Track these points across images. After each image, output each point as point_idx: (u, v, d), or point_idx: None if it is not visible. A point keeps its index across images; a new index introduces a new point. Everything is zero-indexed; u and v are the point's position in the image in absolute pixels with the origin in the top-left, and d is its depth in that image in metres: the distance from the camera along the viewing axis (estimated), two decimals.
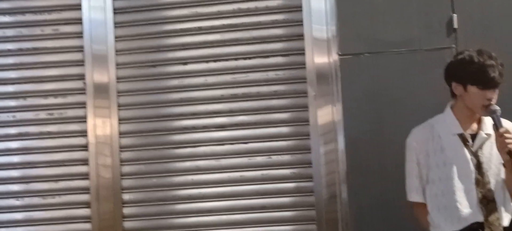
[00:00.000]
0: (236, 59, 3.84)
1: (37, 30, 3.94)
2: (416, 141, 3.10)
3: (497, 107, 2.94)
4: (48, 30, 3.93)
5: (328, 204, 3.68)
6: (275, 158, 3.77)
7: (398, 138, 3.58)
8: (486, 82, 2.93)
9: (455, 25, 3.63)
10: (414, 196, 3.12)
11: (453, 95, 3.07)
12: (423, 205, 3.10)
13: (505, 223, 2.94)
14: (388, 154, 3.61)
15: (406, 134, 3.56)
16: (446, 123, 3.06)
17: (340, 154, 3.67)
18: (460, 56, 3.03)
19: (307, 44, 3.75)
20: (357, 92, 3.68)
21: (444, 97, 3.57)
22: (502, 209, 2.96)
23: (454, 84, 3.03)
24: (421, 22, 3.66)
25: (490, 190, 2.96)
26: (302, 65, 3.77)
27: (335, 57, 3.71)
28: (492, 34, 3.60)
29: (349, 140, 3.66)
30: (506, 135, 2.88)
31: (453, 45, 3.63)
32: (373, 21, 3.70)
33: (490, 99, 2.94)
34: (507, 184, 2.97)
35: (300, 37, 3.78)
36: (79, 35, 3.89)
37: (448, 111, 3.09)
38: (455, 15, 3.63)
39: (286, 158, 3.77)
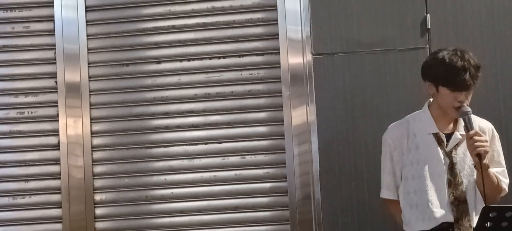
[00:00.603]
0: (210, 58, 3.81)
1: (7, 28, 3.89)
2: (391, 138, 3.10)
3: (468, 109, 2.92)
4: (19, 27, 3.88)
5: (302, 204, 3.66)
6: (249, 158, 3.75)
7: (371, 138, 3.61)
8: (456, 84, 2.91)
9: (429, 26, 3.64)
10: (384, 192, 3.13)
11: (430, 93, 3.06)
12: (396, 202, 3.10)
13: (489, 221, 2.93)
14: (362, 154, 3.61)
15: (379, 134, 3.56)
16: (422, 121, 3.05)
17: (314, 154, 3.66)
18: (434, 56, 3.02)
19: (282, 43, 3.74)
20: (331, 92, 3.67)
21: (418, 98, 3.59)
22: (473, 210, 2.96)
23: (427, 83, 3.03)
24: (395, 22, 3.66)
25: (462, 191, 2.96)
26: (276, 64, 3.75)
27: (309, 57, 3.70)
28: (465, 34, 3.61)
29: (322, 140, 3.65)
30: (476, 137, 2.87)
31: (427, 46, 3.63)
32: (347, 21, 3.69)
33: (461, 102, 2.92)
34: (477, 185, 2.97)
35: (274, 36, 3.76)
36: (51, 33, 3.85)
37: (425, 109, 3.08)
38: (428, 16, 3.64)
39: (260, 158, 3.75)
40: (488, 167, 2.92)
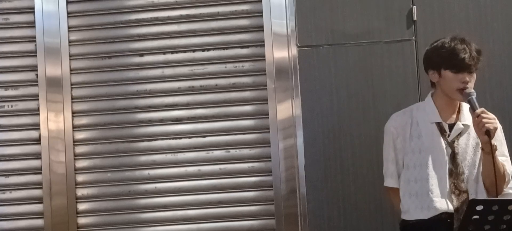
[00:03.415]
0: (194, 50, 3.76)
1: None
2: (394, 126, 3.09)
3: (473, 90, 2.92)
4: None
5: (287, 198, 3.63)
6: (234, 152, 3.71)
7: (357, 131, 3.59)
8: (458, 65, 2.92)
9: (415, 17, 3.61)
10: (389, 181, 3.12)
11: (432, 84, 3.06)
12: (398, 190, 3.10)
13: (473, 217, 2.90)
14: (347, 147, 3.59)
15: (365, 127, 3.58)
16: (426, 110, 3.05)
17: (299, 148, 3.62)
18: (433, 44, 3.04)
19: (267, 35, 3.69)
20: (316, 84, 3.64)
21: (404, 90, 3.58)
22: None
23: (430, 72, 3.03)
24: (381, 14, 3.64)
25: (463, 181, 2.96)
26: (261, 57, 3.71)
27: (294, 49, 3.66)
28: (451, 26, 3.58)
29: (308, 134, 3.62)
30: (483, 115, 2.86)
31: (413, 37, 3.61)
32: (332, 13, 3.66)
33: (465, 83, 2.92)
34: (483, 170, 2.95)
35: (259, 28, 3.72)
36: (31, 24, 3.78)
37: (428, 99, 3.08)
38: (414, 7, 3.61)
39: (244, 152, 3.71)
40: (496, 149, 2.89)
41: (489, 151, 2.85)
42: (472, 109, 2.90)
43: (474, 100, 2.90)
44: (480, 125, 2.85)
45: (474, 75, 2.97)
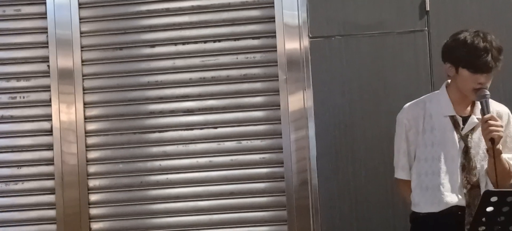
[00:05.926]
0: (205, 41, 3.75)
1: None
2: (407, 118, 3.05)
3: (487, 92, 2.88)
4: (10, 10, 3.81)
5: (298, 190, 3.62)
6: (245, 143, 3.71)
7: (368, 122, 3.57)
8: (477, 66, 2.85)
9: (428, 8, 3.58)
10: (399, 173, 3.09)
11: (449, 75, 3.01)
12: (409, 182, 3.07)
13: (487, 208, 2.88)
14: (359, 139, 3.58)
15: (377, 119, 3.56)
16: (440, 102, 3.01)
17: (311, 139, 3.61)
18: (455, 37, 2.96)
19: (278, 26, 3.68)
20: (327, 76, 3.62)
21: (416, 81, 3.56)
22: None
23: (447, 64, 2.97)
24: (393, 4, 3.61)
25: (475, 175, 2.94)
26: (273, 48, 3.70)
27: (306, 40, 3.65)
28: (464, 16, 3.56)
29: (319, 125, 3.61)
30: (491, 122, 2.82)
31: (426, 28, 3.59)
32: (344, 3, 3.64)
33: (481, 84, 2.87)
34: (488, 170, 2.93)
35: (271, 19, 3.71)
36: (43, 16, 3.78)
37: (443, 90, 3.03)
38: None
39: (256, 143, 3.70)
40: (500, 152, 2.87)
41: (492, 155, 2.83)
42: (482, 111, 2.87)
43: (485, 103, 2.86)
44: (486, 131, 2.83)
45: (492, 75, 2.90)
